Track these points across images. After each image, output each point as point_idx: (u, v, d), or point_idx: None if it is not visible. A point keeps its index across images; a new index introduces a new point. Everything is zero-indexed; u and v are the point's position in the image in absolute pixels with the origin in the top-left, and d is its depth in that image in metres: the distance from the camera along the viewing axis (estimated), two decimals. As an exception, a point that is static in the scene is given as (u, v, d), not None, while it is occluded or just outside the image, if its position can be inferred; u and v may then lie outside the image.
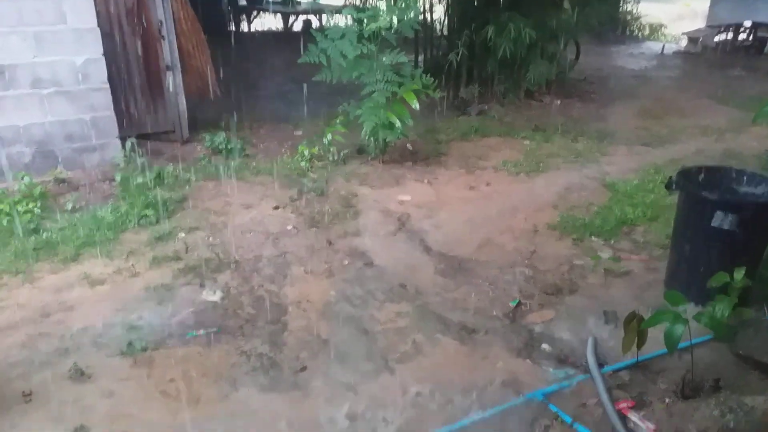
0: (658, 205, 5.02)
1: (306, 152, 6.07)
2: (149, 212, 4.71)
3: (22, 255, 4.10)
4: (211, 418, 2.72)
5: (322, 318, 3.52)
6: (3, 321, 3.42)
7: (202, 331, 3.34)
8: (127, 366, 3.05)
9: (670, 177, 3.66)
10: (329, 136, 6.08)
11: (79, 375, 2.96)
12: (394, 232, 4.67)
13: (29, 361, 3.08)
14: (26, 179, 4.91)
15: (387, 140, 6.02)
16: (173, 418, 2.71)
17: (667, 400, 2.73)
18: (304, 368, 3.07)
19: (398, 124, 5.76)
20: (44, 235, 4.38)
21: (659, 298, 3.50)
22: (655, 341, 2.90)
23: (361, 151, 6.40)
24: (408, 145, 6.55)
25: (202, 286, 3.82)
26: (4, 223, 4.50)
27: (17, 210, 4.66)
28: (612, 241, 4.48)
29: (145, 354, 3.14)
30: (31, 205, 4.70)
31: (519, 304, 3.65)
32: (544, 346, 3.26)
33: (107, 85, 5.64)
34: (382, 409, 2.77)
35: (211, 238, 4.48)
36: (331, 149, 6.14)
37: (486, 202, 5.30)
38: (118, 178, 5.30)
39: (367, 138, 6.02)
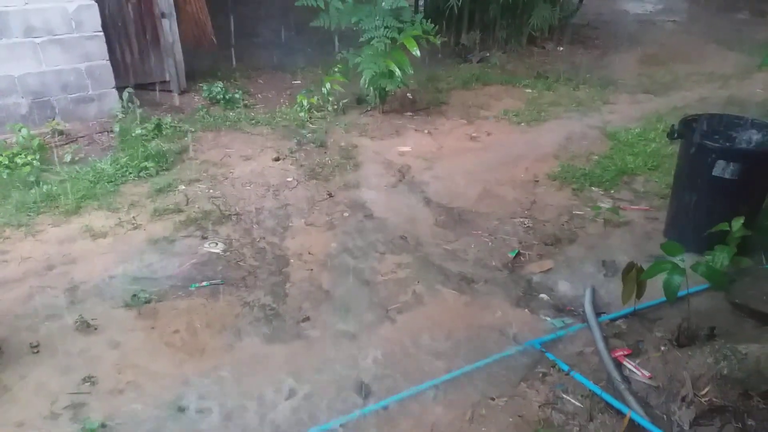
0: (659, 155, 4.99)
1: (305, 102, 5.98)
2: (149, 164, 4.69)
3: (24, 208, 4.10)
4: (216, 367, 2.78)
5: (324, 269, 3.55)
6: (8, 274, 3.46)
7: (205, 283, 3.39)
8: (131, 318, 3.11)
9: (672, 125, 3.62)
10: (328, 86, 5.97)
11: (85, 327, 3.01)
12: (395, 183, 4.66)
13: (35, 313, 3.13)
14: (24, 131, 4.85)
15: (387, 89, 5.91)
16: (179, 369, 2.78)
17: (662, 348, 2.79)
18: (306, 318, 3.13)
19: (398, 72, 5.65)
20: (44, 187, 4.36)
21: (659, 248, 3.53)
22: (652, 290, 2.94)
23: (360, 100, 6.31)
24: (408, 94, 6.45)
25: (204, 238, 3.85)
26: (4, 175, 4.48)
27: (16, 162, 4.64)
28: (612, 191, 4.48)
29: (150, 306, 3.19)
30: (30, 158, 4.67)
31: (518, 254, 3.68)
32: (543, 295, 3.30)
33: (101, 33, 5.50)
34: (383, 358, 2.83)
35: (211, 190, 4.47)
36: (330, 99, 6.05)
37: (486, 152, 5.26)
38: (116, 129, 5.24)
39: (366, 87, 5.92)
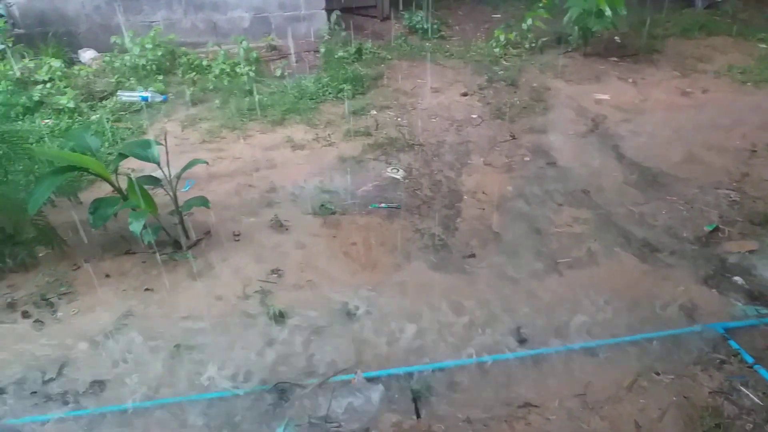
0: None
1: (502, 37, 5.81)
2: (347, 86, 4.96)
3: (239, 113, 4.62)
4: (384, 282, 2.97)
5: (496, 211, 3.54)
6: (222, 169, 3.97)
7: (384, 205, 3.58)
8: (317, 225, 3.42)
9: None
10: (529, 21, 5.71)
11: (278, 225, 3.38)
12: (585, 133, 4.40)
13: (240, 206, 3.59)
14: (244, 43, 5.39)
15: (593, 30, 5.49)
16: (351, 277, 3.02)
17: None
18: (472, 255, 3.17)
19: (609, 12, 5.20)
20: (257, 97, 4.85)
21: None
22: None
23: (561, 40, 5.95)
24: (616, 38, 5.92)
25: (387, 163, 4.03)
26: (225, 82, 5.06)
27: (236, 72, 5.20)
28: None
29: (334, 217, 3.47)
30: (247, 69, 5.20)
31: (716, 229, 3.31)
32: (737, 278, 2.96)
33: (317, -45, 5.79)
34: (545, 309, 2.80)
35: (399, 119, 4.62)
36: (529, 36, 5.80)
37: (699, 111, 4.70)
38: (322, 49, 5.58)
39: (570, 26, 5.56)
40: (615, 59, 5.66)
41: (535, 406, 2.29)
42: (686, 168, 3.91)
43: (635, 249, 3.18)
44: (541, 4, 5.78)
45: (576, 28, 5.56)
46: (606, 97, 4.93)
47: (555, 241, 3.27)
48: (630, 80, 5.25)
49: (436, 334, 2.66)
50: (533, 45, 5.80)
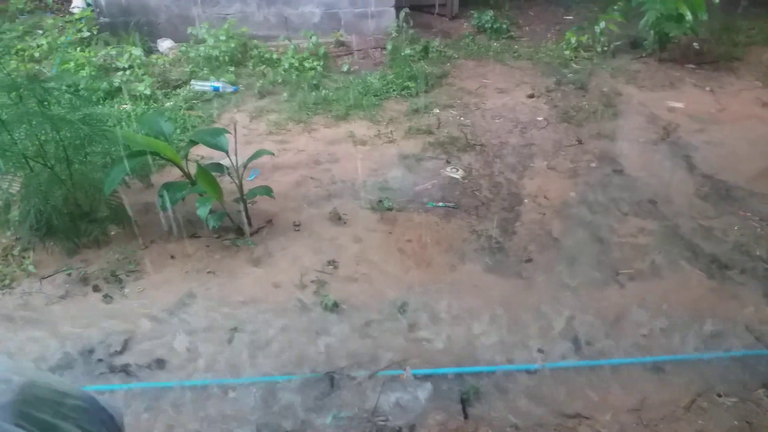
0: None
1: (573, 40, 5.67)
2: (411, 84, 4.97)
3: (305, 107, 4.72)
4: (437, 281, 2.97)
5: (557, 217, 3.47)
6: (286, 161, 4.06)
7: (441, 204, 3.57)
8: (374, 220, 3.45)
9: None
10: (602, 24, 5.55)
11: (337, 219, 3.44)
12: (656, 141, 4.24)
13: (301, 197, 3.66)
14: (314, 38, 5.49)
15: (670, 35, 5.28)
16: (405, 273, 3.04)
17: None
18: (529, 260, 3.13)
19: (689, 16, 4.98)
20: (323, 92, 4.94)
21: None
22: None
23: (635, 44, 5.74)
24: (694, 44, 5.66)
25: (447, 162, 4.02)
26: (293, 76, 5.17)
27: (304, 66, 5.30)
28: None
29: (391, 213, 3.49)
30: (315, 63, 5.30)
31: (793, 249, 3.14)
32: (813, 303, 2.80)
33: (390, -49, 5.82)
34: (602, 320, 2.73)
35: (462, 118, 4.59)
36: (602, 39, 5.63)
37: (781, 124, 4.45)
38: (389, 47, 5.61)
39: (646, 30, 5.36)
40: (692, 66, 5.42)
41: (587, 417, 2.25)
42: (763, 183, 3.70)
43: (703, 264, 3.05)
44: (615, 7, 5.60)
45: (652, 32, 5.36)
46: (680, 105, 4.74)
47: (617, 251, 3.18)
48: (707, 89, 5.02)
49: (488, 336, 2.65)
50: (605, 48, 5.63)
